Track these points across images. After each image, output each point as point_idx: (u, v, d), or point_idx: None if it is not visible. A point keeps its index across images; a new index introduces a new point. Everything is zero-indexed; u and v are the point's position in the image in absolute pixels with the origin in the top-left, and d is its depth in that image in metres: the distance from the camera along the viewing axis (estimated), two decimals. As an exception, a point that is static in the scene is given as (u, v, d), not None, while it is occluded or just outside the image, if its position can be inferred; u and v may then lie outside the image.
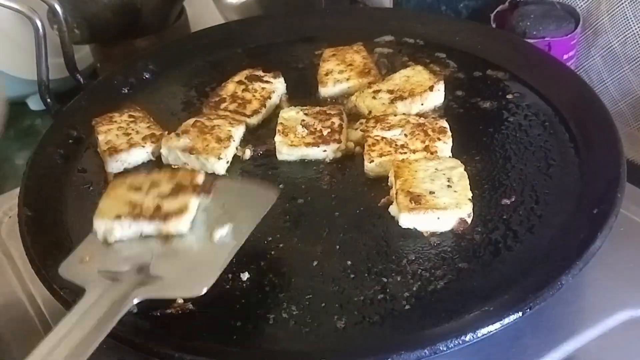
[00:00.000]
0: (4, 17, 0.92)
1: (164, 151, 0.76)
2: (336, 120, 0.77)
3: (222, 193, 0.63)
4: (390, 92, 0.80)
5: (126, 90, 0.90)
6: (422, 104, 0.79)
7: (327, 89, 0.85)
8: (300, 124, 0.76)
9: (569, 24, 0.92)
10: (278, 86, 0.85)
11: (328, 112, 0.78)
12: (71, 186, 0.76)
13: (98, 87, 0.90)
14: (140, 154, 0.77)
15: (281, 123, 0.77)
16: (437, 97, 0.81)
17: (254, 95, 0.82)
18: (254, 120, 0.81)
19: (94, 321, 0.51)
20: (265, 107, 0.82)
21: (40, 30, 0.84)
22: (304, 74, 0.90)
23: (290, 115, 0.78)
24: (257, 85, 0.84)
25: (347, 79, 0.84)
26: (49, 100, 0.90)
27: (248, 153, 0.78)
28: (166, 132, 0.78)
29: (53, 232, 0.69)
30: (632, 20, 0.87)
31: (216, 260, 0.57)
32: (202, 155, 0.74)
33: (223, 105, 0.82)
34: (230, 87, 0.84)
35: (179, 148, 0.75)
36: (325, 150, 0.74)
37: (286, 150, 0.75)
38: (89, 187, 0.76)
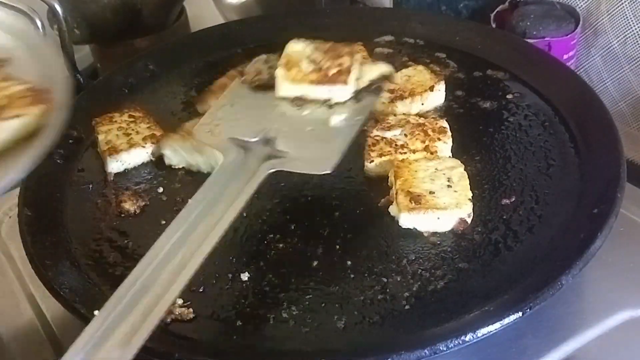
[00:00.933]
0: (3, 15, 0.92)
1: (168, 152, 0.76)
2: (346, 60, 0.70)
3: None
4: (391, 91, 0.80)
5: (126, 90, 0.90)
6: (422, 104, 0.79)
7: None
8: (307, 59, 0.71)
9: (569, 24, 0.92)
10: None
11: (340, 49, 0.71)
12: (71, 186, 0.76)
13: (98, 87, 0.90)
14: (140, 155, 0.77)
15: (286, 55, 0.72)
16: (437, 97, 0.80)
17: None
18: None
19: (234, 186, 0.57)
20: None
21: (41, 30, 0.84)
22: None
23: (298, 48, 0.72)
24: None
25: None
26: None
27: None
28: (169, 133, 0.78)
29: (53, 232, 0.69)
30: (632, 20, 0.87)
31: (336, 143, 0.63)
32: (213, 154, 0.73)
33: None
34: (222, 81, 0.82)
35: (185, 149, 0.75)
36: (330, 91, 0.69)
37: (286, 87, 0.70)
38: (89, 187, 0.76)
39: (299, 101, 0.69)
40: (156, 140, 0.77)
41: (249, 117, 0.67)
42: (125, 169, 0.77)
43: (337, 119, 0.66)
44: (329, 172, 0.60)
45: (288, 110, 0.68)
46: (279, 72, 0.71)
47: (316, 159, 0.62)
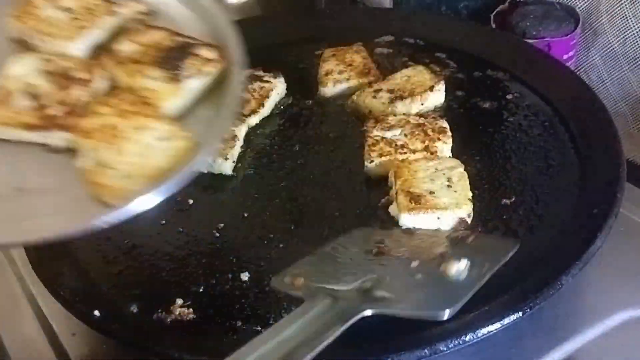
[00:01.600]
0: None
1: None
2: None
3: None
4: (391, 91, 0.80)
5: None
6: (422, 104, 0.79)
7: (328, 89, 0.85)
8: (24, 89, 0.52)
9: (569, 24, 0.92)
10: (278, 85, 0.85)
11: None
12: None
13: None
14: None
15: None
16: (437, 97, 0.81)
17: (252, 95, 0.82)
18: (252, 121, 0.81)
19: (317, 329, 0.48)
20: (263, 106, 0.82)
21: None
22: (304, 74, 0.90)
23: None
24: (257, 84, 0.84)
25: (347, 79, 0.84)
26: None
27: None
28: None
29: (53, 232, 0.69)
30: (631, 21, 0.87)
31: (456, 291, 0.51)
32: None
33: None
34: None
35: None
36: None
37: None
38: (89, 187, 0.76)
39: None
40: None
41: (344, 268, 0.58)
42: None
43: (457, 267, 0.54)
44: (445, 318, 0.50)
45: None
46: None
47: (429, 301, 0.51)
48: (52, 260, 0.64)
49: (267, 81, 0.85)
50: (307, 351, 0.46)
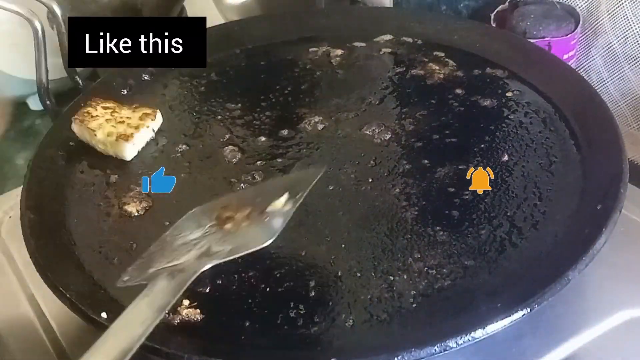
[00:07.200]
0: (3, 17, 0.91)
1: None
2: None
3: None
4: None
5: (125, 92, 0.89)
6: None
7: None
8: None
9: (569, 24, 0.92)
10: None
11: None
12: (72, 188, 0.75)
13: (97, 89, 0.89)
14: (147, 133, 0.80)
15: None
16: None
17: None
18: None
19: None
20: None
21: (40, 32, 0.83)
22: (303, 74, 0.90)
23: None
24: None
25: None
26: (48, 102, 0.89)
27: None
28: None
29: (56, 234, 0.68)
30: (632, 20, 0.88)
31: (277, 221, 0.60)
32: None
33: None
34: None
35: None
36: None
37: None
38: (90, 189, 0.75)
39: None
40: (153, 117, 0.81)
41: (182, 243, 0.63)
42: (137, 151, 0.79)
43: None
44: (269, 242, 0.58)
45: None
46: None
47: (254, 238, 0.59)
48: (56, 263, 0.64)
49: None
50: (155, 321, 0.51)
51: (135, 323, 0.50)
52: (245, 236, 0.60)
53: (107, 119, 0.79)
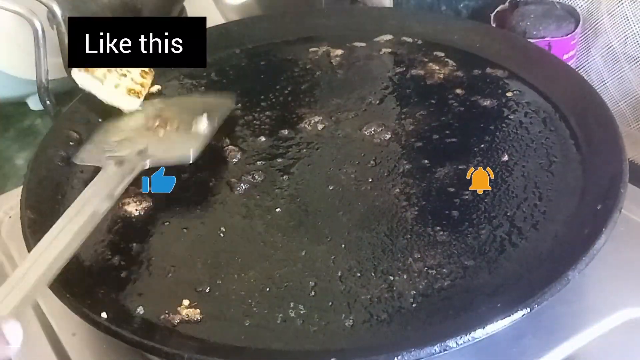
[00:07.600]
0: (3, 17, 0.91)
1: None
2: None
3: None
4: None
5: (125, 91, 0.89)
6: None
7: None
8: None
9: (569, 24, 0.92)
10: None
11: None
12: (72, 188, 0.75)
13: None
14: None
15: None
16: None
17: None
18: None
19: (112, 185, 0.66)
20: None
21: (40, 32, 0.83)
22: (303, 74, 0.90)
23: None
24: None
25: None
26: (48, 102, 0.89)
27: None
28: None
29: (56, 233, 0.69)
30: (632, 20, 0.88)
31: (200, 140, 0.73)
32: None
33: None
34: None
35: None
36: None
37: None
38: (90, 189, 0.76)
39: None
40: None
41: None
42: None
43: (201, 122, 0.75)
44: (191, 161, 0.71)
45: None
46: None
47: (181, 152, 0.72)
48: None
49: None
50: (107, 205, 0.63)
51: (90, 204, 0.62)
52: (174, 143, 0.73)
53: (108, 70, 0.80)
